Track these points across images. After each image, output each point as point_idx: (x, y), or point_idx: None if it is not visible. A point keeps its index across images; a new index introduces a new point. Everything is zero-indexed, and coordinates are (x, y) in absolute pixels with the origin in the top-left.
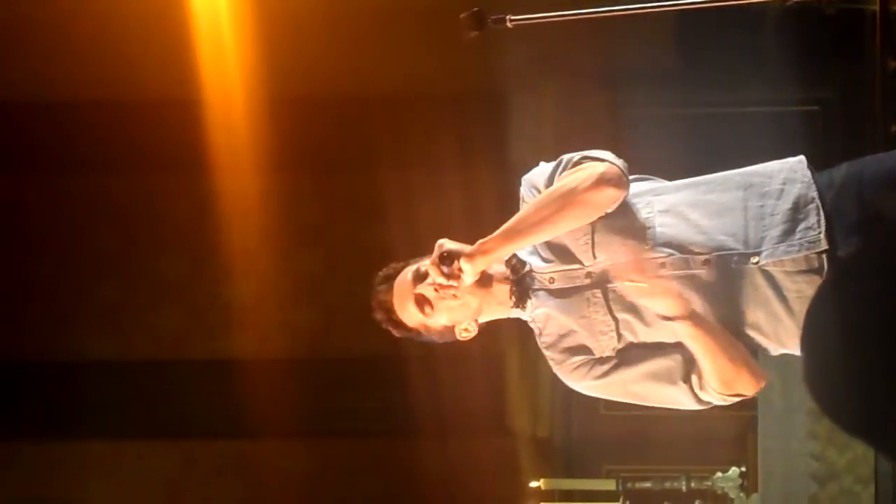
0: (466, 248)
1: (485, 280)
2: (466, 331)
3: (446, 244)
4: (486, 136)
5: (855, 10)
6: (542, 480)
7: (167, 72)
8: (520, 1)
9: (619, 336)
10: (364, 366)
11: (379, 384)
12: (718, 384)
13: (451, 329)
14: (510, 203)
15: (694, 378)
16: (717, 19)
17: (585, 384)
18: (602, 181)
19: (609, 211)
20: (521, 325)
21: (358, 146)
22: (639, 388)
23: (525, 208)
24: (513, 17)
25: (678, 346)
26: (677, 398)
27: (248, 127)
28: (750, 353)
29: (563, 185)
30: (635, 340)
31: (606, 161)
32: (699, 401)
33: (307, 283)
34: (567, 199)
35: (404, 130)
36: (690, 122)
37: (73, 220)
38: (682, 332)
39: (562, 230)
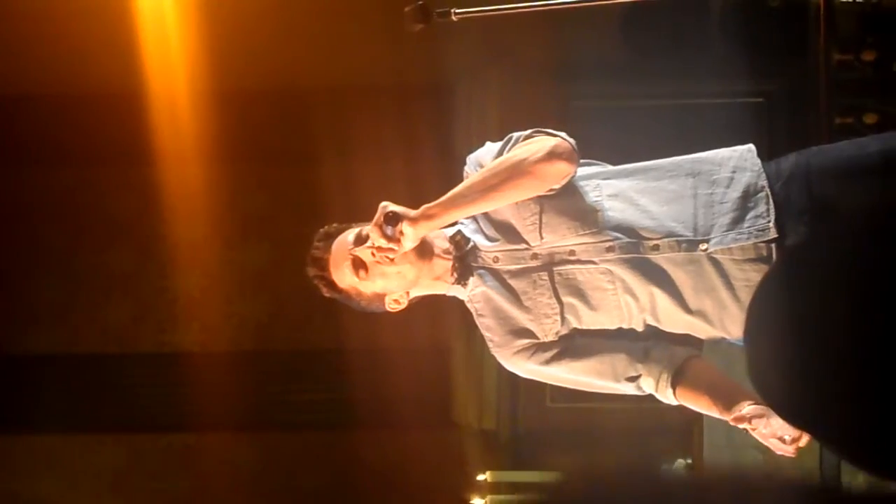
0: (410, 212)
1: (425, 252)
2: (396, 302)
3: (390, 206)
4: (433, 128)
5: (799, 2)
6: (488, 473)
7: (111, 65)
8: None
9: (563, 319)
10: (310, 358)
11: (325, 376)
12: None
13: (381, 297)
14: None
15: (639, 379)
16: (662, 11)
17: (526, 368)
18: (553, 154)
19: (556, 187)
20: (466, 317)
21: (303, 138)
22: (581, 379)
23: (473, 176)
24: (458, 11)
25: (622, 337)
26: (620, 391)
27: (192, 120)
28: (695, 342)
29: (514, 156)
30: (579, 326)
31: (558, 136)
32: (643, 392)
33: (253, 276)
34: (516, 169)
35: (350, 122)
36: (636, 114)
37: (18, 213)
38: None
39: (509, 200)
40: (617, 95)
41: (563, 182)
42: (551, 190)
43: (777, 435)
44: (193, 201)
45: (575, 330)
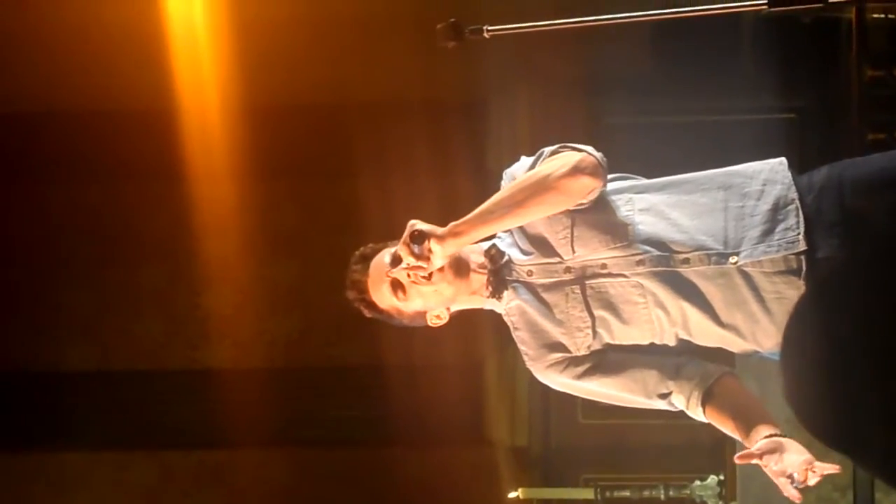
0: (437, 229)
1: (462, 270)
2: (438, 317)
3: (418, 224)
4: (465, 144)
5: (831, 18)
6: (520, 490)
7: (144, 81)
8: (498, 9)
9: (595, 333)
10: (342, 375)
11: (357, 393)
12: None
13: (422, 314)
14: None
15: (671, 396)
16: (694, 28)
17: (559, 381)
18: (577, 169)
19: (584, 202)
20: (498, 333)
21: (335, 154)
22: (613, 394)
23: (500, 192)
24: (490, 28)
25: (655, 353)
26: (652, 406)
27: (225, 136)
28: (726, 357)
29: (539, 172)
30: (612, 341)
31: (584, 151)
32: (675, 408)
33: (285, 292)
34: (541, 185)
35: (382, 138)
36: (667, 130)
37: (51, 229)
38: None
39: (535, 216)
40: (648, 112)
41: (591, 197)
42: (581, 204)
43: (787, 473)
44: (224, 218)
45: (607, 345)
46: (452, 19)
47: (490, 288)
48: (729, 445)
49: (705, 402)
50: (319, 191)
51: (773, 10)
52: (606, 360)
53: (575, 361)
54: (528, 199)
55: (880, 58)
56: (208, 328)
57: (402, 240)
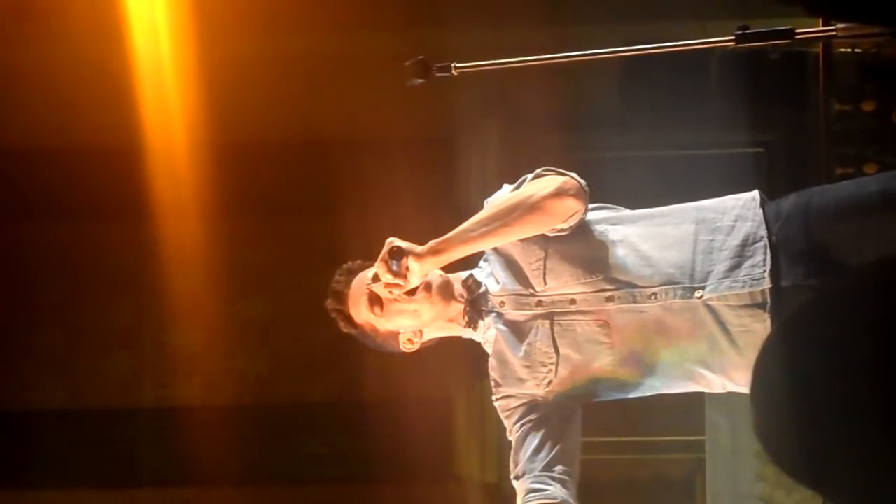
0: (416, 247)
1: (448, 294)
2: (410, 342)
3: (396, 242)
4: (437, 181)
5: (798, 53)
6: None
7: (113, 119)
8: (470, 46)
9: (557, 372)
10: (311, 412)
11: (326, 430)
12: None
13: (395, 336)
14: None
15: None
16: (663, 64)
17: (503, 417)
18: (561, 191)
19: (565, 226)
20: (467, 369)
21: (304, 191)
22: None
23: (481, 212)
24: (458, 65)
25: (560, 448)
26: None
27: (192, 173)
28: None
29: (523, 192)
30: (569, 385)
31: (568, 175)
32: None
33: (254, 329)
34: (524, 205)
35: (352, 175)
36: (636, 165)
37: (17, 267)
38: None
39: (516, 236)
40: (617, 146)
41: (573, 221)
42: (561, 230)
43: None
44: (193, 255)
45: (554, 404)
46: (420, 56)
47: (466, 318)
48: (700, 480)
49: None
50: (288, 228)
51: (740, 46)
52: (541, 429)
53: (527, 408)
54: (511, 218)
55: (847, 92)
56: (177, 366)
57: (381, 256)
